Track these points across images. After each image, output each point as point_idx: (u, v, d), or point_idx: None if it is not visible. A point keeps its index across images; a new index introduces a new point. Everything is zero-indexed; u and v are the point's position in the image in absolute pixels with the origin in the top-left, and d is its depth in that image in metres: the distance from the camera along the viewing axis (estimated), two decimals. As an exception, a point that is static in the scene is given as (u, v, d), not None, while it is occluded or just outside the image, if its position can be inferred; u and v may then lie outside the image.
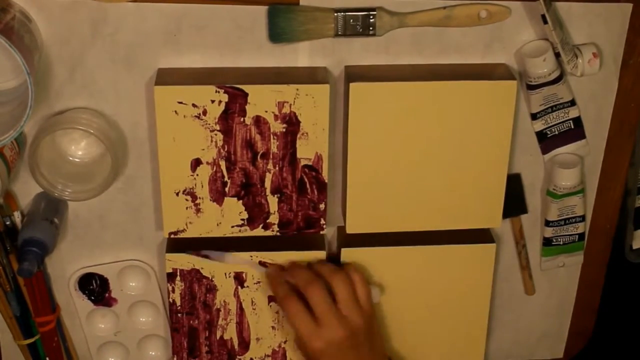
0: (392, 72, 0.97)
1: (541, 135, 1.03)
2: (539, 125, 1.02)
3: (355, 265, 1.02)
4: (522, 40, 0.98)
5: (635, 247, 1.16)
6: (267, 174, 0.98)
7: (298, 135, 0.96)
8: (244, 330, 1.07)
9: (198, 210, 0.99)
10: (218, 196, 0.99)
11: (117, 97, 0.97)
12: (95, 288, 1.07)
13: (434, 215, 1.02)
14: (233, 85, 0.93)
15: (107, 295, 1.07)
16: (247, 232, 1.01)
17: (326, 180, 0.99)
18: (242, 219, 1.00)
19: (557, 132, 1.03)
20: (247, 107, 0.94)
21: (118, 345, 1.12)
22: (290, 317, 0.97)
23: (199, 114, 0.94)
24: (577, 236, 1.09)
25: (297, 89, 0.94)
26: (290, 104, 0.94)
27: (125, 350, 1.12)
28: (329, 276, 0.98)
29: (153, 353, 1.13)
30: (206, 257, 1.02)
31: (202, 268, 1.03)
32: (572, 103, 1.01)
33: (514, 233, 1.10)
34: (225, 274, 1.03)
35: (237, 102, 0.94)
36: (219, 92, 0.93)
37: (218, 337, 1.07)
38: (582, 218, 1.07)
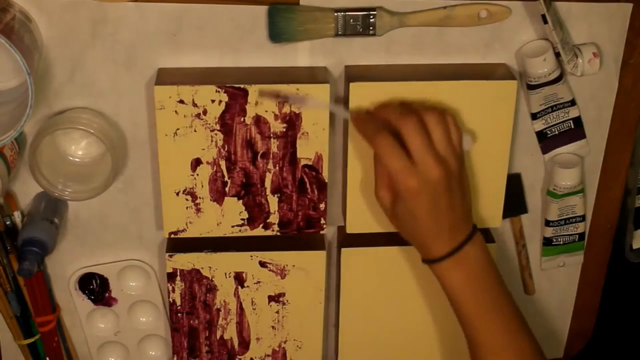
0: (392, 72, 0.97)
1: (541, 135, 1.03)
2: (539, 125, 1.02)
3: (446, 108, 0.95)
4: (522, 40, 0.98)
5: (635, 247, 1.16)
6: (267, 173, 0.98)
7: (298, 135, 0.96)
8: (244, 330, 1.07)
9: (198, 210, 0.99)
10: (218, 196, 0.99)
11: (117, 97, 0.97)
12: (95, 288, 1.07)
13: (434, 215, 1.02)
14: (233, 85, 0.93)
15: (107, 295, 1.07)
16: (247, 232, 1.01)
17: (326, 180, 0.99)
18: (242, 219, 1.00)
19: (557, 132, 1.03)
20: (247, 106, 0.94)
21: (118, 345, 1.12)
22: (382, 154, 0.88)
23: (199, 114, 0.94)
24: (577, 236, 1.09)
25: (297, 89, 0.94)
26: (291, 104, 0.94)
27: (125, 350, 1.12)
28: (423, 113, 0.88)
29: (153, 353, 1.13)
30: (285, 100, 0.93)
31: (202, 268, 1.03)
32: (572, 103, 1.01)
33: (514, 233, 1.10)
34: (225, 274, 1.03)
35: (237, 101, 0.94)
36: (219, 91, 0.93)
37: (218, 337, 1.07)
38: (582, 218, 1.07)
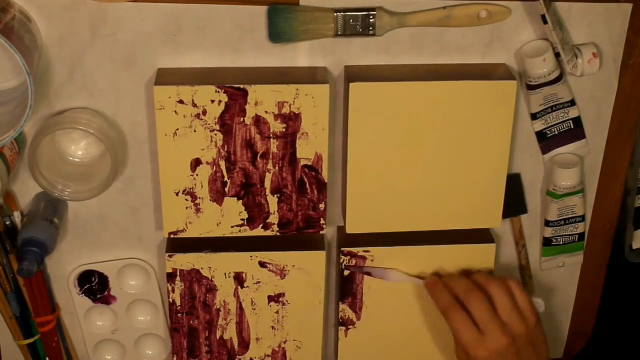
0: (392, 72, 0.97)
1: (541, 135, 1.03)
2: (539, 125, 1.02)
3: (511, 274, 1.06)
4: (522, 40, 0.98)
5: (635, 247, 1.16)
6: (267, 174, 0.98)
7: (298, 135, 0.96)
8: (244, 330, 1.07)
9: (198, 210, 0.99)
10: (218, 196, 0.99)
11: (117, 97, 0.97)
12: (95, 286, 1.07)
13: (434, 215, 1.02)
14: (233, 85, 0.93)
15: (106, 293, 1.07)
16: (247, 232, 1.01)
17: (326, 180, 0.99)
18: (242, 219, 1.00)
19: (557, 132, 1.03)
20: (247, 107, 0.94)
21: (115, 344, 1.12)
22: (454, 327, 0.98)
23: (199, 114, 0.94)
24: (577, 236, 1.09)
25: (297, 89, 0.94)
26: (290, 104, 0.95)
27: (122, 348, 1.12)
28: (486, 284, 0.99)
29: (150, 352, 1.13)
30: (368, 274, 1.04)
31: (202, 268, 1.03)
32: (572, 103, 1.01)
33: (514, 233, 1.10)
34: (225, 274, 1.03)
35: (237, 102, 0.94)
36: (219, 92, 0.93)
37: (218, 337, 1.07)
38: (582, 218, 1.07)
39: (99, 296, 1.08)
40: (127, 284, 1.08)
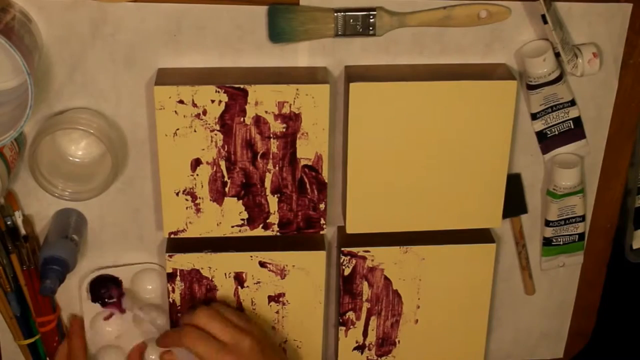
0: (392, 72, 0.97)
1: (541, 135, 1.03)
2: (539, 125, 1.02)
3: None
4: (522, 40, 0.98)
5: (635, 247, 1.16)
6: (267, 174, 0.98)
7: (298, 135, 0.96)
8: (244, 330, 1.07)
9: (198, 210, 0.99)
10: (218, 196, 0.99)
11: (117, 97, 0.97)
12: (107, 292, 1.06)
13: (434, 215, 1.02)
14: (233, 85, 0.93)
15: (119, 299, 1.07)
16: (247, 232, 1.01)
17: (326, 180, 0.99)
18: (242, 219, 1.00)
19: (557, 132, 1.03)
20: (247, 107, 0.94)
21: (115, 349, 1.11)
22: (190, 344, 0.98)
23: (199, 114, 0.94)
24: (577, 236, 1.09)
25: (297, 89, 0.94)
26: (290, 104, 0.95)
27: (123, 354, 1.11)
28: (191, 320, 1.00)
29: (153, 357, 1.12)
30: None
31: (202, 268, 1.03)
32: (572, 103, 1.01)
33: (514, 233, 1.10)
34: (225, 274, 1.03)
35: (237, 102, 0.94)
36: (219, 92, 0.93)
37: (218, 337, 1.07)
38: (582, 218, 1.07)
39: (109, 301, 1.07)
40: (144, 288, 1.07)
